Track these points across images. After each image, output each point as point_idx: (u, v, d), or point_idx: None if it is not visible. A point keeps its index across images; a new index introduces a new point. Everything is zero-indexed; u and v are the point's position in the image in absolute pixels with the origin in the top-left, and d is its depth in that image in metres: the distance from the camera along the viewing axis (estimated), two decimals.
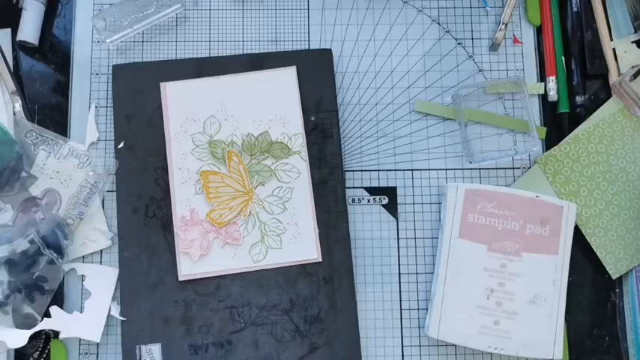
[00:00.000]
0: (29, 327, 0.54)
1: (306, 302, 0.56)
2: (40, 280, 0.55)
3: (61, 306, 0.56)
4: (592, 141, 0.61)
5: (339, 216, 0.58)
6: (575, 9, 0.64)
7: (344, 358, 0.55)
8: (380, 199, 0.60)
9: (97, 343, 0.56)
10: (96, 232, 0.58)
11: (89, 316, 0.56)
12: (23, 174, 0.57)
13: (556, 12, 0.64)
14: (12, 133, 0.58)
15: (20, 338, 0.54)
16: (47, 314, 0.55)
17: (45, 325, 0.55)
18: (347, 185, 0.60)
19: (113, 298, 0.56)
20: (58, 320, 0.55)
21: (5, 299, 0.54)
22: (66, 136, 0.59)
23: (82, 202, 0.57)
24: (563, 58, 0.63)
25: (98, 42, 0.62)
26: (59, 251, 0.56)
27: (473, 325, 0.54)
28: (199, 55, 0.62)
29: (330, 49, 0.61)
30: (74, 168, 0.58)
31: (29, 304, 0.55)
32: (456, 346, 0.57)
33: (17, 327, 0.54)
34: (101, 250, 0.58)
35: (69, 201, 0.57)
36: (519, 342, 0.54)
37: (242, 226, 0.57)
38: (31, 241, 0.55)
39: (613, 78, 0.62)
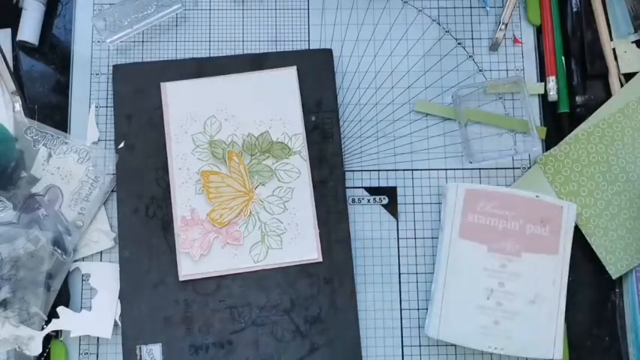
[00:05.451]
0: (35, 325, 0.54)
1: (307, 302, 0.56)
2: (46, 277, 0.55)
3: (66, 306, 0.56)
4: (592, 141, 0.61)
5: (340, 216, 0.58)
6: (575, 9, 0.64)
7: (344, 358, 0.55)
8: (380, 199, 0.60)
9: (97, 344, 0.56)
10: (99, 233, 0.58)
11: (98, 313, 0.56)
12: (24, 172, 0.57)
13: (556, 12, 0.64)
14: (12, 133, 0.58)
15: (36, 345, 0.54)
16: (55, 315, 0.55)
17: (55, 325, 0.55)
18: (347, 185, 0.60)
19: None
20: (67, 320, 0.55)
21: (11, 296, 0.54)
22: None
23: (83, 197, 0.57)
24: (563, 58, 0.63)
25: (98, 42, 0.62)
26: (63, 247, 0.56)
27: (473, 325, 0.54)
28: (199, 55, 0.62)
29: (330, 49, 0.61)
30: (74, 163, 0.58)
31: (35, 301, 0.55)
32: (455, 346, 0.57)
33: (23, 324, 0.54)
34: (101, 251, 0.58)
35: (70, 197, 0.57)
36: (519, 342, 0.54)
37: (242, 226, 0.57)
38: (35, 238, 0.55)
39: (613, 78, 0.62)
